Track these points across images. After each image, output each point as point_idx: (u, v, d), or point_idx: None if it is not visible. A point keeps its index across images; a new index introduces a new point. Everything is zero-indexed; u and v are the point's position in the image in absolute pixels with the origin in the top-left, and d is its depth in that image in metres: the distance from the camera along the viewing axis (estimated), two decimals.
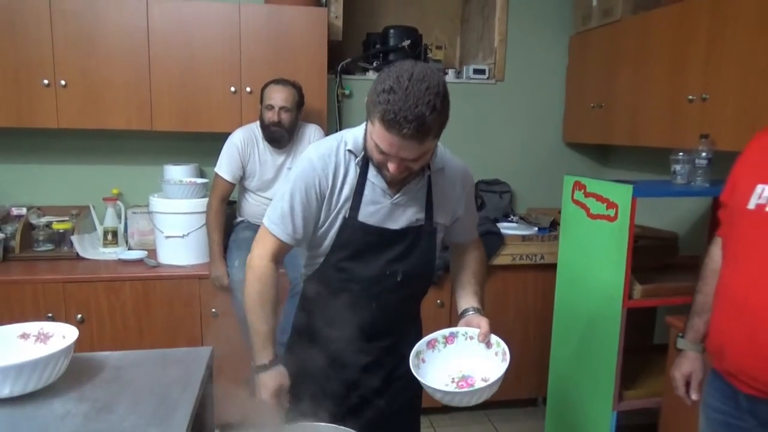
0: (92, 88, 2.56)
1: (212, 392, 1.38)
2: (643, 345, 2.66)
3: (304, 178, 1.34)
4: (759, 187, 1.31)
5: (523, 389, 2.96)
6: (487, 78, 3.29)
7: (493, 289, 2.82)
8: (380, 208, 1.36)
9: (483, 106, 3.32)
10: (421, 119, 1.13)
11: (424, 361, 1.36)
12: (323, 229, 1.39)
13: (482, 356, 1.36)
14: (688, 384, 1.54)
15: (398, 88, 1.13)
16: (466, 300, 1.46)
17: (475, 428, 2.84)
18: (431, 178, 1.39)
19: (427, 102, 1.13)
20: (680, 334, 1.58)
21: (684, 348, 1.56)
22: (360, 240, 1.37)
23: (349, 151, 1.35)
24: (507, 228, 2.96)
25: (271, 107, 2.43)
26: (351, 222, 1.36)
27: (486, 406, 2.94)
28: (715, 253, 1.49)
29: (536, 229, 2.99)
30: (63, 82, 2.51)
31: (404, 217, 1.38)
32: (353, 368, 1.48)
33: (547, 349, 2.55)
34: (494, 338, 1.36)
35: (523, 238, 2.86)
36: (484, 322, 1.36)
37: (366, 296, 1.40)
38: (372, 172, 1.35)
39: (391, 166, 1.23)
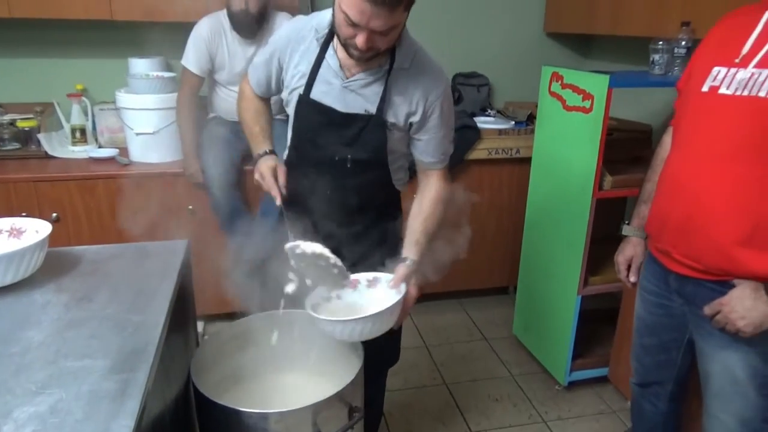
0: None
1: (191, 283, 1.42)
2: (612, 235, 2.75)
3: (273, 44, 1.47)
4: (715, 70, 1.28)
5: (495, 278, 3.10)
6: None
7: (468, 184, 2.86)
8: (331, 89, 1.38)
9: None
10: None
11: (339, 298, 1.38)
12: (285, 101, 1.48)
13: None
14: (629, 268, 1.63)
15: None
16: (407, 248, 1.42)
17: (450, 315, 2.99)
18: (391, 74, 1.36)
19: None
20: (626, 221, 1.64)
21: (628, 234, 1.64)
22: (311, 118, 1.40)
23: (314, 29, 1.39)
24: (484, 122, 2.94)
25: None
26: (304, 98, 1.40)
27: (459, 295, 3.11)
28: (666, 141, 1.52)
29: (513, 122, 2.98)
30: None
31: (355, 104, 1.38)
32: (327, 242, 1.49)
33: (519, 240, 2.64)
34: (403, 286, 1.34)
35: (500, 132, 2.85)
36: (401, 271, 1.35)
37: (321, 179, 1.43)
38: (329, 52, 1.37)
39: (360, 39, 1.20)
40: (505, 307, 3.01)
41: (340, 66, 1.36)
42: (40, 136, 2.58)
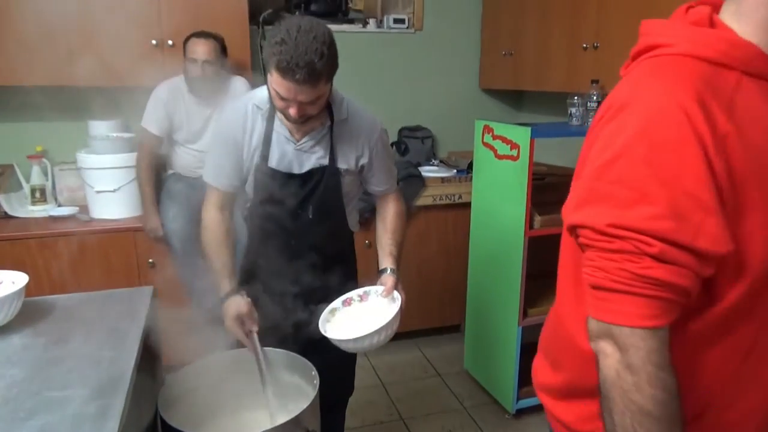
0: (6, 42, 2.50)
1: (157, 325, 1.53)
2: (549, 270, 2.98)
3: (222, 134, 1.59)
4: None
5: (446, 317, 3.27)
6: (407, 27, 3.42)
7: (416, 229, 3.06)
8: (286, 154, 1.55)
9: (404, 55, 3.46)
10: (311, 65, 1.30)
11: (340, 314, 1.56)
12: (245, 176, 1.60)
13: (388, 309, 1.53)
14: None
15: (288, 39, 1.29)
16: (384, 260, 1.64)
17: (404, 354, 3.12)
18: (334, 127, 1.55)
19: (315, 50, 1.30)
20: None
21: None
22: (271, 183, 1.56)
23: (256, 106, 1.54)
24: (428, 171, 3.18)
25: (194, 61, 2.48)
26: (262, 167, 1.55)
27: (413, 335, 3.25)
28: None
29: (455, 171, 3.23)
30: None
31: (309, 162, 1.57)
32: (288, 298, 1.63)
33: (465, 279, 2.83)
34: (396, 293, 1.54)
35: (443, 180, 3.09)
36: (389, 280, 1.56)
37: (285, 234, 1.59)
38: (277, 122, 1.53)
39: (292, 111, 1.38)
40: (456, 344, 3.16)
41: (290, 133, 1.54)
42: (0, 197, 2.65)
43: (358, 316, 1.55)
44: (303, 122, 1.46)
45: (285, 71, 1.30)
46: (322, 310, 1.55)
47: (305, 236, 1.61)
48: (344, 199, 1.65)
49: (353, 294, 1.58)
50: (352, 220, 1.75)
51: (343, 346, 1.44)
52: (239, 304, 1.55)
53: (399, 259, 1.66)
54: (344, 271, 1.68)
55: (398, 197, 1.75)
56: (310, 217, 1.59)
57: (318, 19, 1.41)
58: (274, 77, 1.34)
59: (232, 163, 1.57)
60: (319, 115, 1.50)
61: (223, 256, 1.59)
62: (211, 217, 1.61)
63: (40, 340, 1.18)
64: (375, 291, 1.58)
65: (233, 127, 1.56)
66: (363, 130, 1.60)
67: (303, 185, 1.58)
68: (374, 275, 1.64)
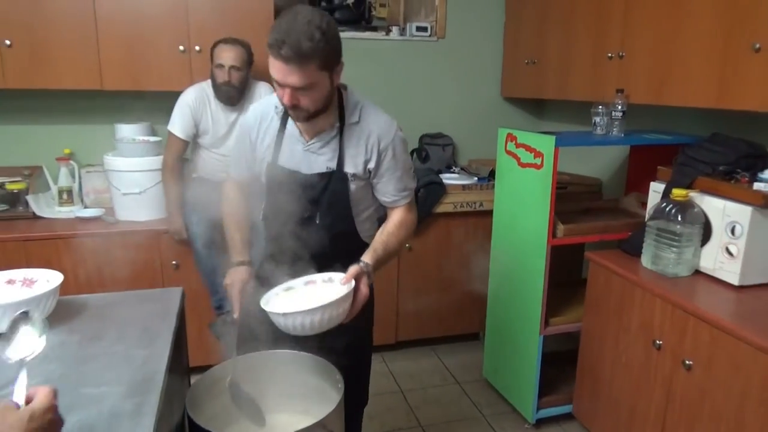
0: (39, 48, 2.56)
1: (185, 327, 1.55)
2: (571, 279, 2.97)
3: (242, 130, 1.67)
4: None
5: (465, 325, 3.26)
6: (429, 35, 3.43)
7: (436, 236, 3.07)
8: (296, 154, 1.57)
9: (426, 63, 3.48)
10: (297, 43, 1.31)
11: (295, 292, 1.50)
12: (258, 172, 1.64)
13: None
14: None
15: (284, 21, 1.33)
16: (365, 255, 1.54)
17: (423, 361, 3.12)
18: (344, 130, 1.54)
19: (305, 31, 1.31)
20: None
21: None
22: (280, 181, 1.58)
23: (275, 106, 1.58)
24: (449, 178, 3.18)
25: (221, 66, 2.52)
26: (272, 165, 1.58)
27: (432, 342, 3.25)
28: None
29: (476, 178, 3.23)
30: (8, 42, 2.51)
31: (317, 164, 1.56)
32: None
33: (486, 287, 2.82)
34: (353, 282, 1.45)
35: (464, 187, 3.09)
36: (352, 268, 1.46)
37: (295, 238, 1.55)
38: (290, 122, 1.56)
39: (285, 96, 1.39)
40: (475, 352, 3.15)
41: (300, 133, 1.56)
42: (29, 198, 2.71)
43: (310, 298, 1.44)
44: (306, 119, 1.46)
45: (272, 47, 1.32)
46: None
47: (314, 241, 1.56)
48: (354, 205, 1.61)
49: (318, 277, 1.51)
50: (366, 230, 1.69)
51: (275, 321, 1.36)
52: (243, 272, 1.60)
53: (382, 260, 1.56)
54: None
55: (409, 208, 1.67)
56: (318, 222, 1.57)
57: (325, 12, 1.40)
58: (270, 60, 1.37)
59: (247, 161, 1.65)
60: (328, 115, 1.50)
61: (243, 230, 1.67)
62: (232, 191, 1.72)
63: (74, 338, 1.20)
64: (339, 278, 1.48)
65: (248, 128, 1.62)
66: (373, 133, 1.56)
67: (311, 188, 1.56)
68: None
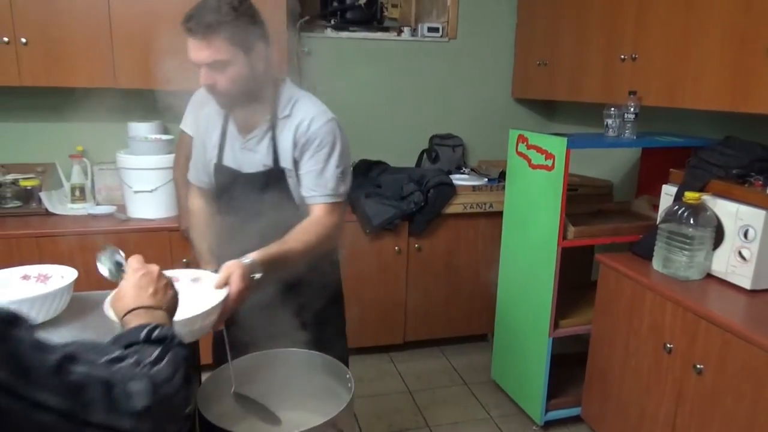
0: (53, 46, 2.59)
1: None
2: (581, 281, 2.95)
3: (197, 133, 1.70)
4: None
5: (474, 326, 3.25)
6: (441, 36, 3.43)
7: (446, 237, 3.07)
8: (235, 153, 1.57)
9: (437, 64, 3.48)
10: (202, 16, 1.32)
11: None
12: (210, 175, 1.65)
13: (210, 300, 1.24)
14: None
15: (201, 1, 1.35)
16: (257, 252, 1.35)
17: (431, 362, 3.12)
18: (276, 124, 1.50)
19: (213, 6, 1.33)
20: None
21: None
22: (225, 181, 1.58)
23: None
24: (459, 179, 3.18)
25: None
26: (218, 164, 1.60)
27: (440, 343, 3.25)
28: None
29: (486, 179, 3.22)
30: (24, 40, 2.53)
31: (253, 162, 1.54)
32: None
33: (495, 289, 2.82)
34: (227, 288, 1.25)
35: (474, 188, 3.08)
36: (223, 272, 1.26)
37: (246, 234, 1.45)
38: (231, 120, 1.57)
39: (201, 77, 1.38)
40: (483, 353, 3.15)
41: (237, 130, 1.55)
42: (42, 194, 2.73)
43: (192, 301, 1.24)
44: (229, 105, 1.48)
45: (183, 22, 1.34)
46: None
47: (266, 240, 1.41)
48: (301, 201, 1.54)
49: (182, 274, 1.34)
50: None
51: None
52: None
53: (276, 257, 1.35)
54: (319, 285, 1.56)
55: (327, 211, 1.50)
56: (265, 220, 1.46)
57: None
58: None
59: (203, 164, 1.66)
60: (261, 108, 1.49)
61: (208, 237, 1.66)
62: (195, 199, 1.73)
63: (88, 335, 1.21)
64: (207, 278, 1.32)
65: (201, 129, 1.64)
66: (304, 122, 1.48)
67: (252, 186, 1.53)
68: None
